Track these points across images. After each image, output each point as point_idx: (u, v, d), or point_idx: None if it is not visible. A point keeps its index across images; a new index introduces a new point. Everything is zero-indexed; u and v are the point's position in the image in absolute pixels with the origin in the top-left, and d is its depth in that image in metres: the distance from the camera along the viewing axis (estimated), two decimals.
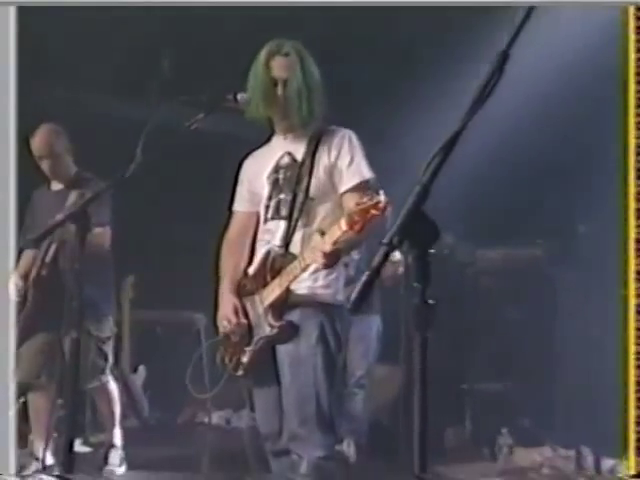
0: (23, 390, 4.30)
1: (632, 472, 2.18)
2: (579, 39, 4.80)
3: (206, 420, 4.30)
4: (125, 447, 4.45)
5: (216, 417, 4.28)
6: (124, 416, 4.57)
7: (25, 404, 4.39)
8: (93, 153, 4.57)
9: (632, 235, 2.66)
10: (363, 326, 4.53)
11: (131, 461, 4.45)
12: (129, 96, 5.06)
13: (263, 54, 2.91)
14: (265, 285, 2.86)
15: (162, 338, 4.80)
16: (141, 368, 4.72)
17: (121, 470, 4.39)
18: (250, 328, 2.90)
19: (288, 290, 2.80)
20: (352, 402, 4.61)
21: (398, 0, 4.08)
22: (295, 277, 2.76)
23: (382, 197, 2.52)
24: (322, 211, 2.89)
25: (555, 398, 4.90)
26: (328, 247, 2.58)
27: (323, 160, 2.90)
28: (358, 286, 1.41)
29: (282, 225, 2.92)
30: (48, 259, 4.15)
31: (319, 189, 2.90)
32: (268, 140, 3.09)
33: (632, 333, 2.35)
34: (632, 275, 2.73)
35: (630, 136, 2.42)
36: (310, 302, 2.82)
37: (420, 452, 1.40)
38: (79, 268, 3.59)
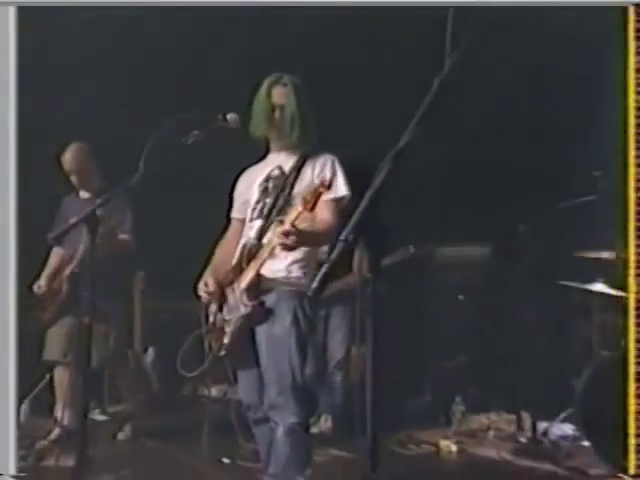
0: (50, 367, 4.42)
1: (632, 472, 2.06)
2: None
3: (206, 393, 4.35)
4: (137, 416, 4.53)
5: (215, 390, 4.30)
6: (136, 390, 4.63)
7: (52, 379, 4.46)
8: (109, 166, 4.55)
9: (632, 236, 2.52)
10: (341, 315, 4.63)
11: (141, 428, 4.50)
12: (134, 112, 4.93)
13: (266, 83, 3.03)
14: (242, 272, 2.92)
15: (168, 324, 4.86)
16: (150, 349, 4.84)
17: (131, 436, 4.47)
18: (230, 311, 2.94)
19: (259, 274, 2.84)
20: (332, 382, 4.65)
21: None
22: (263, 261, 2.81)
23: (328, 175, 2.83)
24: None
25: (499, 371, 4.97)
26: (287, 226, 2.63)
27: (307, 174, 2.99)
28: (318, 277, 1.50)
29: (259, 223, 3.02)
30: (79, 258, 4.20)
31: (299, 197, 2.90)
32: (263, 157, 3.18)
33: (632, 332, 2.19)
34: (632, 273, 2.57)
35: (630, 137, 2.24)
36: (285, 289, 2.87)
37: (372, 422, 1.49)
38: (90, 262, 3.78)
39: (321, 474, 3.02)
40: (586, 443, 3.98)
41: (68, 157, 4.45)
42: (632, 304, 2.73)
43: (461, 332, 5.30)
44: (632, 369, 3.00)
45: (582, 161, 4.89)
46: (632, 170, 2.16)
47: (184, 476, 3.88)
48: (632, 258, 2.71)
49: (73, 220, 2.84)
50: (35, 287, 4.40)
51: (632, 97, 2.12)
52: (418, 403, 5.16)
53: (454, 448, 4.39)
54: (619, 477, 2.06)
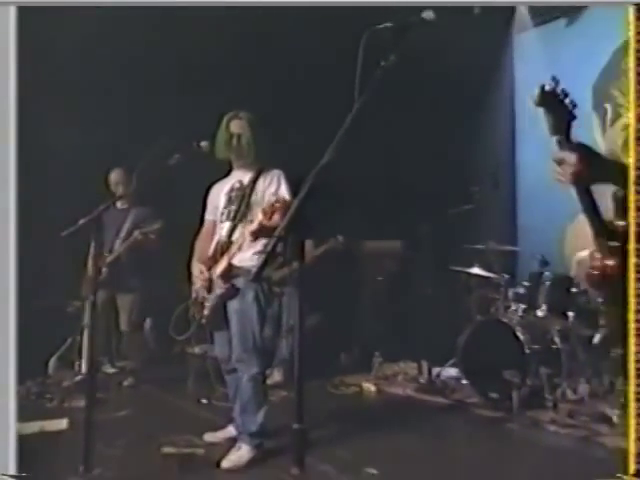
0: (81, 330, 4.41)
1: (632, 472, 1.71)
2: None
3: (190, 351, 4.32)
4: (138, 369, 4.60)
5: (197, 349, 4.22)
6: (138, 349, 4.67)
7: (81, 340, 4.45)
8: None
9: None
10: (291, 293, 4.52)
11: (141, 378, 4.56)
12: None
13: (225, 118, 3.08)
14: (217, 262, 2.98)
15: (160, 301, 4.60)
16: (147, 319, 4.85)
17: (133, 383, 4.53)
18: (210, 290, 2.99)
19: (230, 264, 2.91)
20: (284, 343, 4.67)
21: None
22: (233, 254, 2.91)
23: (283, 197, 2.80)
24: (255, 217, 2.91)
25: (406, 332, 5.04)
26: (254, 227, 2.75)
27: (260, 186, 3.02)
28: (257, 265, 1.53)
29: (228, 225, 3.04)
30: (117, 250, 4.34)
31: (255, 203, 2.99)
32: (228, 173, 3.20)
33: (632, 332, 1.77)
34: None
35: (630, 138, 1.73)
36: (250, 274, 2.86)
37: (298, 374, 1.57)
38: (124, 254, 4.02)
39: (274, 410, 3.11)
40: (465, 381, 4.20)
41: (112, 178, 4.41)
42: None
43: (380, 304, 5.31)
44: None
45: (465, 180, 5.12)
46: (632, 174, 1.71)
47: (172, 413, 3.90)
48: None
49: (83, 221, 2.67)
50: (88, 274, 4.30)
51: (632, 96, 1.73)
52: (348, 356, 5.22)
53: (373, 388, 4.53)
54: (619, 477, 1.68)
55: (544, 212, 5.26)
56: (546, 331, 3.98)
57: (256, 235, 2.80)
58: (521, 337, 3.87)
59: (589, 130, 5.23)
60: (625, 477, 1.65)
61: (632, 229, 1.64)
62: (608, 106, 5.28)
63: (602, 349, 3.80)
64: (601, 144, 5.35)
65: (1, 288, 2.15)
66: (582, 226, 4.74)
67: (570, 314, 3.97)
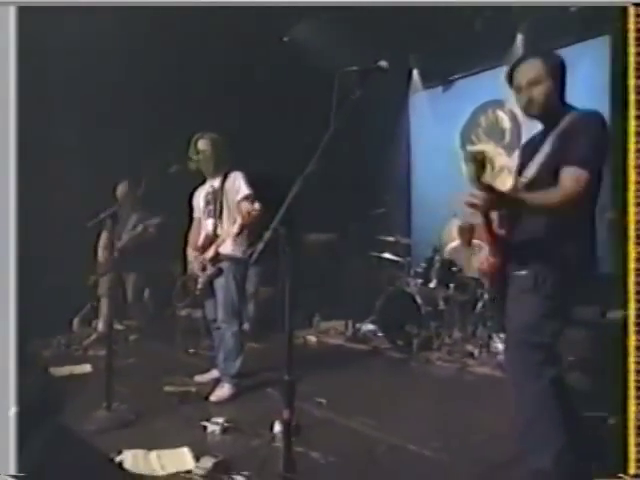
0: (98, 298, 4.26)
1: (632, 472, 1.43)
2: None
3: (180, 314, 4.18)
4: (141, 327, 4.43)
5: (184, 312, 4.13)
6: (140, 312, 4.51)
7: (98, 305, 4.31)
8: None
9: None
10: (254, 272, 4.39)
11: (142, 333, 4.38)
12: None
13: (194, 139, 2.91)
14: (205, 250, 2.89)
15: (158, 278, 4.53)
16: (147, 290, 4.62)
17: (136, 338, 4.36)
18: (203, 270, 2.89)
19: (217, 252, 2.84)
20: (249, 305, 4.56)
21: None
22: (219, 245, 2.83)
23: (257, 206, 2.72)
24: (229, 212, 2.88)
25: (337, 299, 4.98)
26: (236, 229, 2.77)
27: (228, 187, 2.89)
28: (255, 254, 1.51)
29: (211, 221, 2.93)
30: (125, 239, 4.11)
31: (227, 202, 2.89)
32: (204, 181, 3.05)
33: (632, 333, 1.42)
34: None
35: (630, 142, 1.47)
36: (231, 259, 2.85)
37: (289, 333, 1.50)
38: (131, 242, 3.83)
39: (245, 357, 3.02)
40: (380, 334, 4.29)
41: (119, 190, 4.16)
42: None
43: (319, 279, 5.09)
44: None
45: (379, 191, 5.35)
46: (632, 177, 1.44)
47: (167, 360, 3.77)
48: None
49: (102, 215, 2.53)
50: (99, 257, 4.15)
51: (632, 97, 1.44)
52: (296, 316, 5.00)
53: (314, 339, 4.50)
54: (619, 477, 1.40)
55: (432, 216, 5.43)
56: (435, 298, 4.10)
57: (239, 232, 2.80)
58: (419, 302, 3.98)
59: (459, 162, 5.54)
60: (625, 477, 1.43)
61: (632, 233, 1.46)
62: (469, 146, 5.58)
63: (469, 309, 4.03)
64: (465, 171, 5.71)
65: (29, 270, 1.91)
66: (451, 227, 4.99)
67: (451, 285, 4.11)
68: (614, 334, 1.78)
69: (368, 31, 4.43)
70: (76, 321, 4.43)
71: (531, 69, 1.59)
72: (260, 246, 1.48)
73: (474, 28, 4.64)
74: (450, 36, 4.83)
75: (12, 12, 1.72)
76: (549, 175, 1.53)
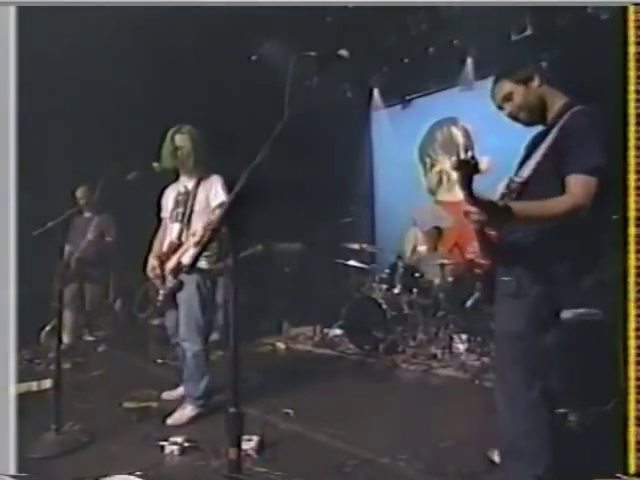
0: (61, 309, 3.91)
1: (632, 472, 1.32)
2: None
3: (152, 322, 3.88)
4: (109, 337, 4.13)
5: (156, 321, 3.78)
6: (108, 323, 4.22)
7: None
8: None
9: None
10: (222, 284, 4.10)
11: (111, 344, 4.08)
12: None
13: (170, 133, 2.51)
14: (168, 259, 2.53)
15: (122, 287, 4.21)
16: (118, 300, 4.26)
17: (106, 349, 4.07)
18: (164, 280, 2.54)
19: (179, 262, 2.47)
20: (218, 316, 4.19)
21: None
22: (182, 254, 2.48)
23: (221, 200, 2.39)
24: (199, 218, 2.50)
25: (305, 306, 4.78)
26: (197, 238, 2.43)
27: (202, 191, 2.53)
28: (192, 258, 1.25)
29: (177, 226, 2.55)
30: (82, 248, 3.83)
31: (198, 206, 2.53)
32: (177, 179, 2.67)
33: (632, 333, 1.33)
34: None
35: (630, 142, 1.32)
36: (195, 269, 2.43)
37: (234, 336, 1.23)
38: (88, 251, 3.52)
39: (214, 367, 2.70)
40: (346, 338, 4.08)
41: (79, 192, 3.82)
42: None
43: (282, 287, 4.88)
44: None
45: (345, 202, 5.23)
46: (632, 176, 1.32)
47: (134, 372, 3.48)
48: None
49: (51, 224, 2.20)
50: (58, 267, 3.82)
51: (632, 97, 1.33)
52: (265, 324, 4.74)
53: (283, 346, 4.27)
54: (619, 477, 1.30)
55: (394, 224, 5.41)
56: (399, 302, 4.00)
57: (198, 241, 2.42)
58: (384, 307, 3.86)
59: (417, 174, 5.71)
60: (625, 477, 1.34)
61: (632, 231, 1.35)
62: (427, 159, 5.69)
63: (431, 313, 3.90)
64: (424, 182, 5.71)
65: (2, 278, 1.71)
66: (412, 235, 4.89)
67: (414, 291, 4.02)
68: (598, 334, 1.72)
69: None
70: (44, 334, 4.03)
71: (502, 87, 1.59)
72: (194, 253, 1.20)
73: (428, 53, 4.70)
74: (408, 59, 4.91)
75: (12, 12, 1.61)
76: (545, 174, 1.42)
